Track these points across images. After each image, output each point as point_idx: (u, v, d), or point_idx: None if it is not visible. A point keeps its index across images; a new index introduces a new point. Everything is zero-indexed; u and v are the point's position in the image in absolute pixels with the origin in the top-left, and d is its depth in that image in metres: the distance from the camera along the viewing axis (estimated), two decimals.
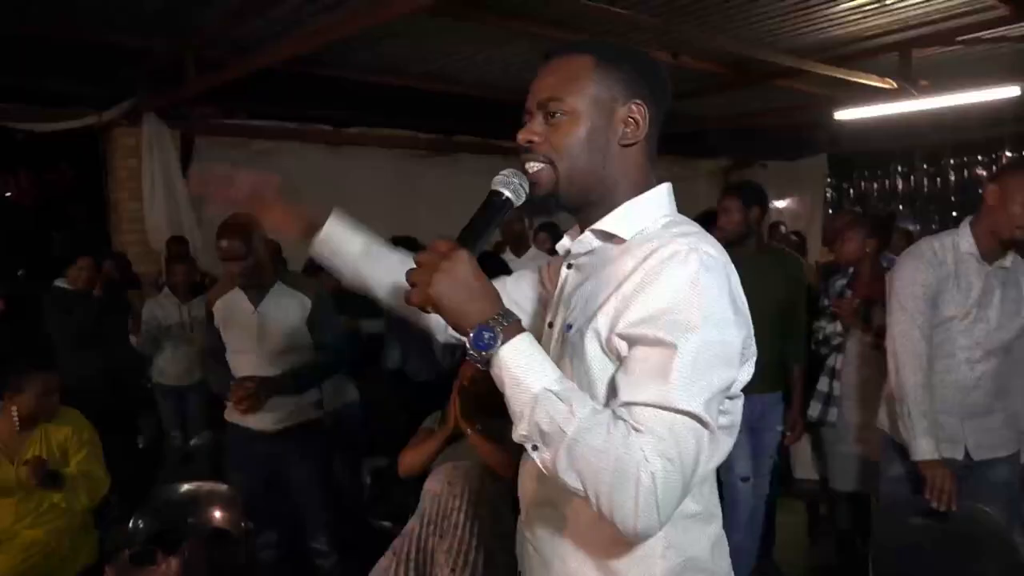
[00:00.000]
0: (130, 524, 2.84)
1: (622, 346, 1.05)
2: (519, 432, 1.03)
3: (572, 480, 0.99)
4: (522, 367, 1.02)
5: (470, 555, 2.39)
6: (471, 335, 1.04)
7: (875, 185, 9.27)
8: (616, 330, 1.06)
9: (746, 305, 1.11)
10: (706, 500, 1.18)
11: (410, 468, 2.75)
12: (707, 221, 3.97)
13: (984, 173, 8.39)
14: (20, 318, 4.67)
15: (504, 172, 1.19)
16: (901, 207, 9.04)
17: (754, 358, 1.15)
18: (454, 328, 1.08)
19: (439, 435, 2.72)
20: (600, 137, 1.17)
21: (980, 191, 8.12)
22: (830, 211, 9.42)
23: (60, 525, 2.91)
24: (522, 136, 1.20)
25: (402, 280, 1.14)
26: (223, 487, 2.89)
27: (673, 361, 0.99)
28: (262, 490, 2.96)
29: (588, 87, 1.17)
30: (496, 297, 1.08)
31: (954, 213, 8.53)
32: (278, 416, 2.92)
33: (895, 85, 5.70)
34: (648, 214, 1.18)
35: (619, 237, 1.17)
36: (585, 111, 1.16)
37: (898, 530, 2.42)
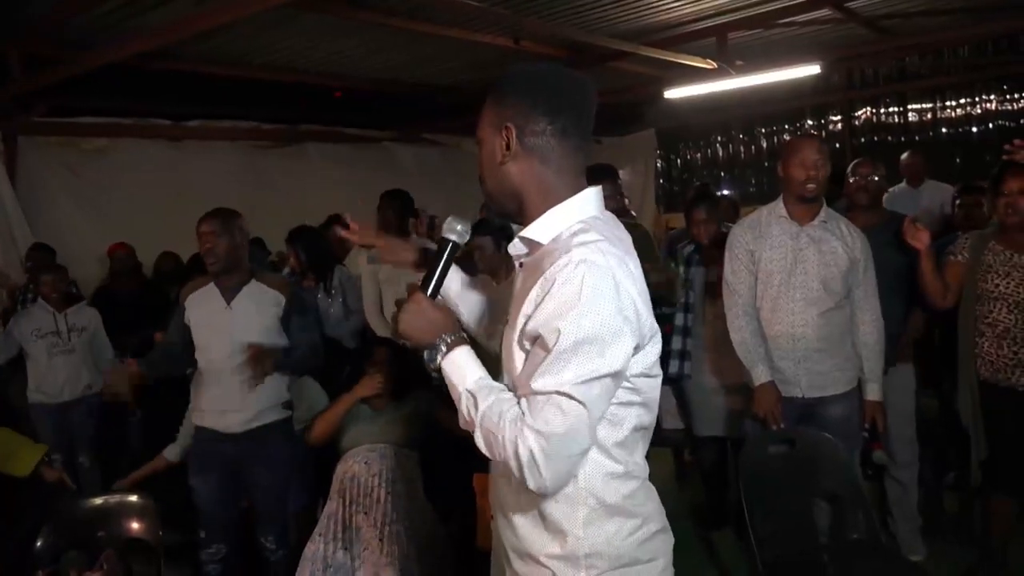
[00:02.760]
0: (38, 543, 2.75)
1: (524, 343, 1.32)
2: (460, 420, 1.36)
3: (488, 451, 1.31)
4: (453, 373, 1.37)
5: (394, 525, 2.60)
6: (425, 354, 1.41)
7: (699, 155, 10.01)
8: (522, 331, 1.31)
9: (640, 299, 1.30)
10: (626, 461, 1.38)
11: (320, 435, 3.00)
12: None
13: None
14: None
15: (449, 220, 1.51)
16: (723, 174, 9.84)
17: (657, 339, 1.38)
18: (418, 348, 1.44)
19: (342, 402, 2.96)
20: (490, 160, 1.42)
21: None
22: (660, 180, 10.11)
23: None
24: None
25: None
26: (133, 497, 2.86)
27: (550, 355, 1.23)
28: (219, 497, 2.96)
29: (483, 120, 1.43)
30: (446, 324, 1.42)
31: (763, 177, 9.42)
32: (245, 417, 2.92)
33: (715, 65, 6.25)
34: (563, 220, 1.36)
35: (538, 243, 1.38)
36: (481, 139, 1.44)
37: (758, 460, 2.82)
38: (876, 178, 3.37)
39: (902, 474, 3.34)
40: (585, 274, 1.23)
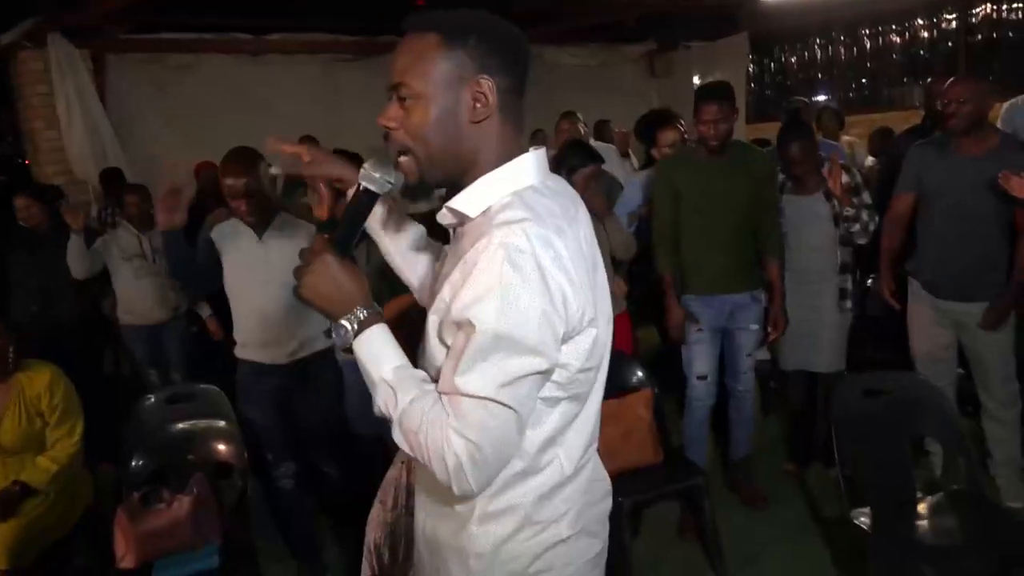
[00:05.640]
0: (131, 464, 2.89)
1: (447, 334, 1.16)
2: (376, 408, 1.21)
3: (407, 450, 1.17)
4: (367, 357, 1.21)
5: None
6: (332, 328, 1.23)
7: (795, 59, 9.43)
8: (441, 318, 1.17)
9: (570, 286, 1.12)
10: (531, 457, 1.22)
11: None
12: (657, 123, 4.08)
13: (898, 40, 8.63)
14: None
15: (366, 165, 1.27)
16: (820, 75, 9.27)
17: (597, 326, 1.20)
18: (326, 318, 1.25)
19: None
20: (449, 117, 1.18)
21: (894, 56, 8.29)
22: (752, 85, 9.60)
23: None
24: (379, 121, 1.23)
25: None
26: (221, 423, 2.94)
27: (467, 352, 1.09)
28: (275, 422, 2.97)
29: (433, 68, 1.17)
30: (357, 293, 1.22)
31: (864, 80, 8.82)
32: (291, 348, 2.91)
33: None
34: (496, 190, 1.19)
35: (466, 215, 1.20)
36: (432, 93, 1.17)
37: (850, 400, 2.71)
38: (962, 101, 2.91)
39: (1004, 414, 3.16)
40: (505, 259, 1.07)
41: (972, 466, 2.59)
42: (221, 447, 2.92)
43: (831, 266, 3.35)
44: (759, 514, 3.38)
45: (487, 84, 1.17)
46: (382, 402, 1.19)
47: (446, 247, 1.34)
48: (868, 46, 8.84)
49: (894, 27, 8.57)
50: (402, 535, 2.52)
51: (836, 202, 3.23)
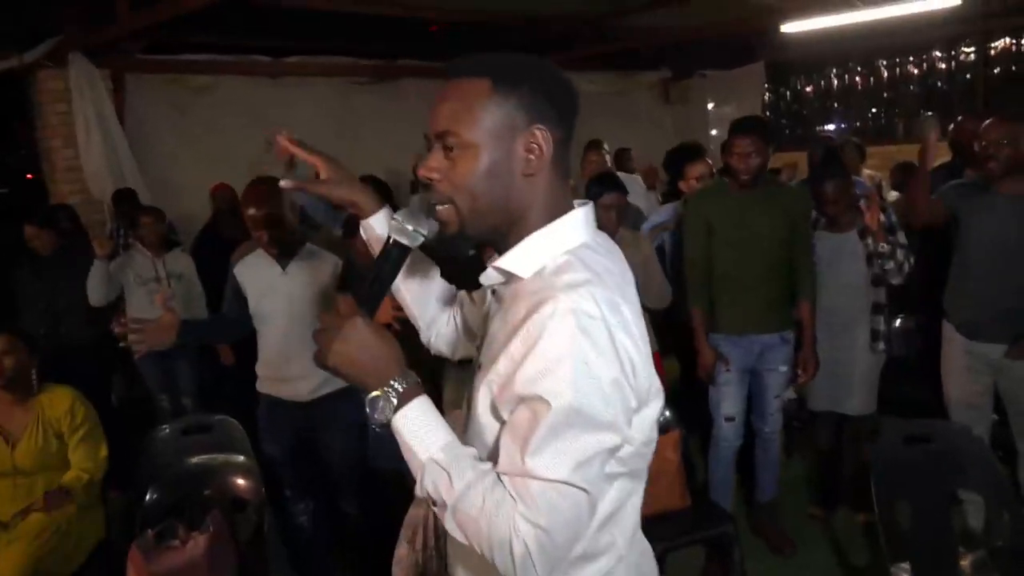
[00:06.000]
0: (146, 498, 2.83)
1: (505, 408, 1.07)
2: (418, 490, 1.10)
3: (461, 538, 1.06)
4: (411, 435, 1.09)
5: None
6: (367, 403, 1.11)
7: (810, 88, 9.41)
8: (499, 392, 1.07)
9: (637, 353, 1.06)
10: (591, 541, 1.14)
11: None
12: (686, 156, 4.03)
13: (916, 71, 8.61)
14: None
15: (396, 216, 1.18)
16: (836, 105, 9.25)
17: (658, 397, 1.15)
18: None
19: None
20: (501, 170, 1.11)
21: (911, 88, 8.24)
22: (767, 114, 9.57)
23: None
24: (421, 172, 1.16)
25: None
26: (239, 457, 2.87)
27: (538, 431, 1.00)
28: (294, 459, 2.92)
29: (484, 116, 1.10)
30: (392, 360, 1.12)
31: (881, 110, 8.79)
32: (312, 384, 2.84)
33: None
34: (549, 249, 1.12)
35: (518, 276, 1.13)
36: (482, 143, 1.10)
37: (891, 449, 2.63)
38: (1003, 143, 2.85)
39: None
40: (575, 326, 0.99)
41: (1018, 522, 2.50)
42: (239, 481, 2.85)
43: (863, 306, 3.28)
44: (787, 561, 3.29)
45: (542, 135, 1.11)
46: (431, 485, 1.07)
47: (489, 303, 1.24)
48: (885, 76, 8.82)
49: (911, 59, 8.56)
50: None
51: (870, 240, 3.17)
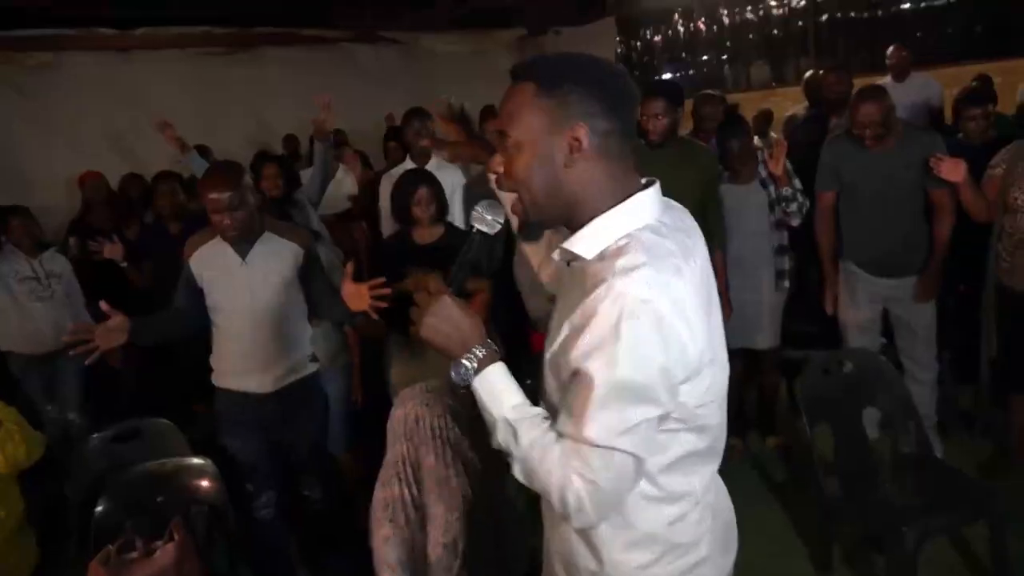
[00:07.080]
0: (96, 512, 2.67)
1: (564, 372, 1.21)
2: (494, 443, 1.29)
3: (528, 484, 1.25)
4: (487, 395, 1.27)
5: (462, 463, 2.58)
6: (452, 367, 1.29)
7: (659, 38, 9.82)
8: (560, 360, 1.21)
9: (687, 330, 1.15)
10: (668, 486, 1.27)
11: None
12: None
13: (753, 18, 9.18)
14: None
15: (478, 207, 1.38)
16: (684, 54, 9.71)
17: (715, 365, 1.24)
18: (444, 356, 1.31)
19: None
20: (546, 164, 1.22)
21: (750, 36, 8.75)
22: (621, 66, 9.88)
23: None
24: (490, 166, 1.37)
25: None
26: (194, 460, 2.76)
27: (589, 402, 1.14)
28: (260, 452, 2.85)
29: (530, 116, 1.22)
30: (475, 332, 1.29)
31: (726, 57, 9.33)
32: (276, 375, 2.79)
33: None
34: (611, 233, 1.22)
35: (582, 257, 1.24)
36: (530, 141, 1.22)
37: (814, 379, 2.94)
38: (876, 121, 3.17)
39: (924, 376, 3.50)
40: (623, 311, 1.10)
41: (921, 431, 2.87)
42: (200, 483, 2.74)
43: (768, 249, 3.57)
44: None
45: (582, 130, 1.20)
46: (502, 439, 1.26)
47: (566, 267, 1.34)
48: (726, 23, 9.35)
49: (748, 6, 9.10)
50: (422, 551, 2.52)
51: (771, 189, 3.44)
